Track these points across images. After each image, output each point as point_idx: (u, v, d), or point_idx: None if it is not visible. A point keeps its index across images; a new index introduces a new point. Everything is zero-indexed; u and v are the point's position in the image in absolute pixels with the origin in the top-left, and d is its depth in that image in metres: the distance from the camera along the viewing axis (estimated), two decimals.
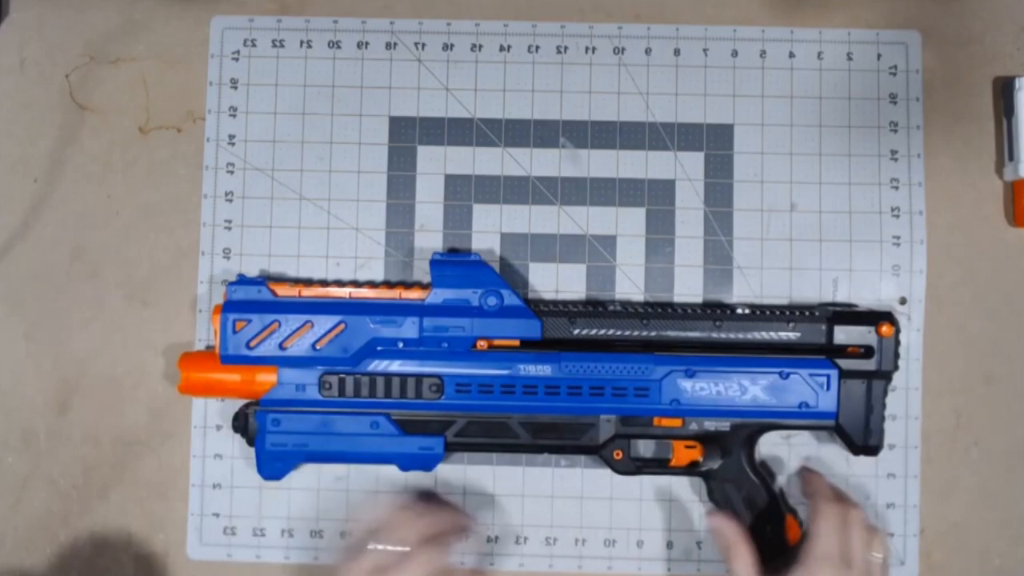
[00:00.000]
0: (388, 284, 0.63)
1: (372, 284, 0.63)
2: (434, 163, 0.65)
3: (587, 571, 0.64)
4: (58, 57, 0.66)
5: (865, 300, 0.64)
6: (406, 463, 0.60)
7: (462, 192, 0.65)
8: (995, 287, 0.65)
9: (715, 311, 0.60)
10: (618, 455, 0.60)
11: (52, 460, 0.65)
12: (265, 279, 0.61)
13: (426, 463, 0.60)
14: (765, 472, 0.62)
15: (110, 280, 0.65)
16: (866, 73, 0.66)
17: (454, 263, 0.60)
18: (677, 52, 0.66)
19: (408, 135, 0.65)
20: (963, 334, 0.65)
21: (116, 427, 0.65)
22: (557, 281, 0.65)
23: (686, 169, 0.65)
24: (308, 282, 0.63)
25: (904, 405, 0.64)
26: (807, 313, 0.60)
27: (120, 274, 0.65)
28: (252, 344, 0.59)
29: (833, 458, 0.64)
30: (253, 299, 0.60)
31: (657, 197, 0.65)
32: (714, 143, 0.65)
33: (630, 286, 0.65)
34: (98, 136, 0.66)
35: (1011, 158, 0.64)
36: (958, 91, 0.66)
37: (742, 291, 0.64)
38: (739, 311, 0.61)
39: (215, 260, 0.65)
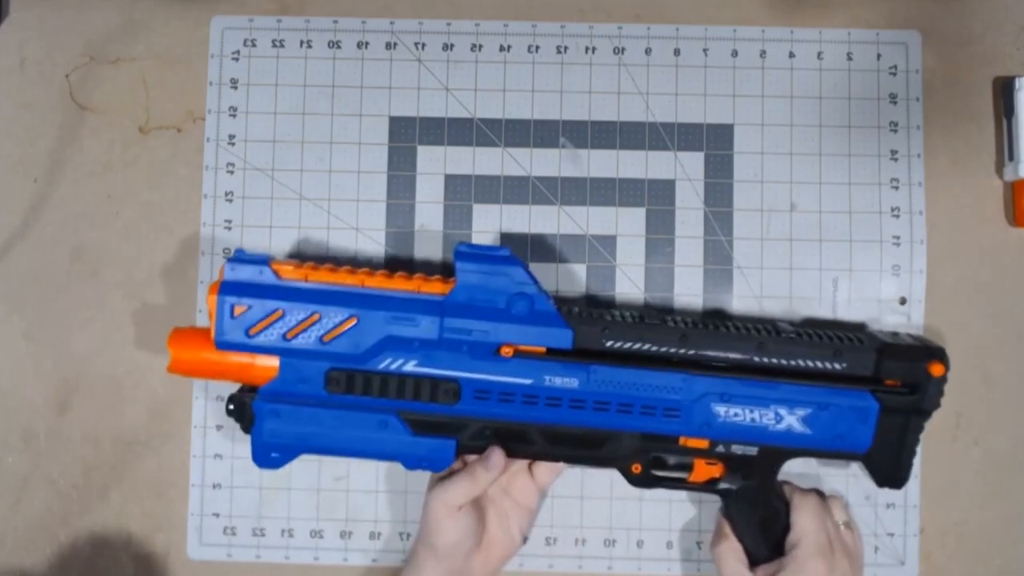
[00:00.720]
0: (406, 275, 0.57)
1: (388, 272, 0.57)
2: (434, 163, 0.65)
3: (587, 571, 0.64)
4: (58, 57, 0.66)
5: (865, 300, 0.64)
6: (413, 463, 0.56)
7: (462, 192, 0.65)
8: (995, 287, 0.65)
9: (759, 331, 0.57)
10: (637, 469, 0.57)
11: (52, 460, 0.65)
12: (268, 257, 0.56)
13: (435, 465, 0.56)
14: (783, 494, 0.59)
15: (110, 280, 0.65)
16: (866, 73, 0.66)
17: (482, 256, 0.55)
18: (677, 52, 0.66)
19: (408, 135, 0.65)
20: (963, 334, 0.64)
21: (116, 427, 0.65)
22: (557, 281, 0.65)
23: (686, 169, 0.65)
24: (317, 263, 0.57)
25: None
26: (856, 341, 0.57)
27: (120, 274, 0.65)
28: (252, 332, 0.54)
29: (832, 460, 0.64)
30: (254, 281, 0.55)
31: (657, 197, 0.65)
32: (714, 143, 0.65)
33: (630, 286, 0.65)
34: (98, 136, 0.66)
35: (1011, 158, 0.64)
36: (958, 91, 0.66)
37: (742, 291, 0.64)
38: (784, 333, 0.57)
39: (215, 260, 0.65)
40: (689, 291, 0.65)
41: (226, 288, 0.55)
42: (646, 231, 0.65)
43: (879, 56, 0.66)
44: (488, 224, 0.65)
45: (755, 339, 0.56)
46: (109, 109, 0.66)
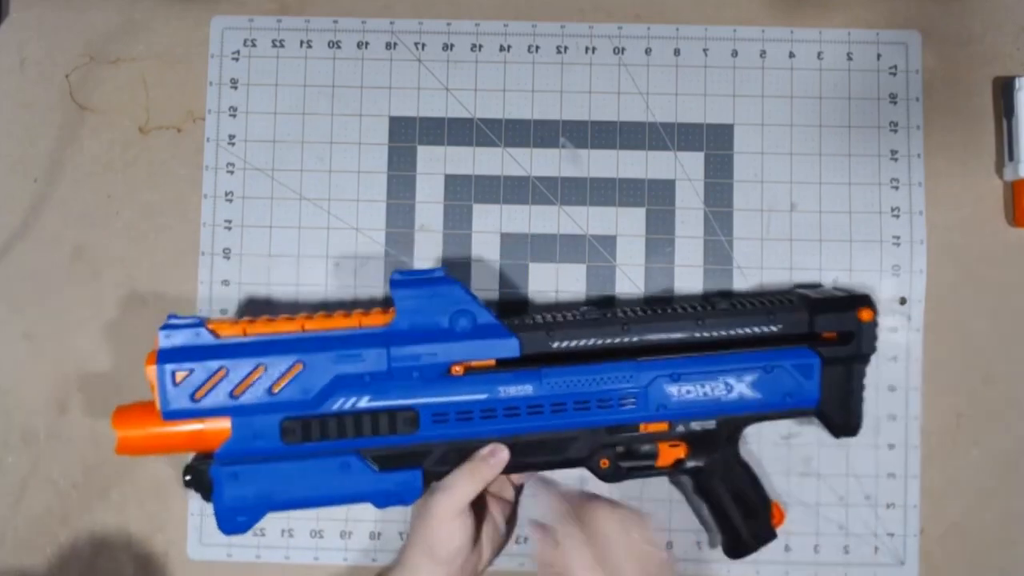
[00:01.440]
0: (345, 312, 0.56)
1: (326, 312, 0.56)
2: (434, 163, 0.65)
3: None
4: (58, 57, 0.66)
5: None
6: (382, 500, 0.55)
7: (462, 192, 0.65)
8: (995, 287, 0.65)
9: (695, 308, 0.58)
10: (604, 463, 0.58)
11: (52, 460, 0.65)
12: (202, 319, 0.55)
13: (404, 498, 0.56)
14: (747, 462, 0.60)
15: (110, 280, 0.65)
16: (866, 73, 0.66)
17: (417, 281, 0.56)
18: (677, 52, 0.66)
19: (408, 135, 0.65)
20: (963, 334, 0.64)
21: None
22: (557, 281, 0.65)
23: (686, 169, 0.65)
24: (252, 317, 0.56)
25: (904, 405, 0.64)
26: (786, 302, 0.59)
27: (120, 274, 0.65)
28: (198, 396, 0.53)
29: (832, 458, 0.64)
30: (192, 344, 0.54)
31: (657, 197, 0.65)
32: (714, 143, 0.65)
33: (630, 286, 0.65)
34: (98, 136, 0.66)
35: (1011, 158, 0.64)
36: (958, 91, 0.66)
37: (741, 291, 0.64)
38: (719, 305, 0.59)
39: (215, 260, 0.65)
40: (689, 291, 0.64)
41: (164, 356, 0.53)
42: (646, 231, 0.65)
43: (879, 56, 0.66)
44: (488, 224, 0.65)
45: (693, 316, 0.58)
46: (109, 109, 0.66)
